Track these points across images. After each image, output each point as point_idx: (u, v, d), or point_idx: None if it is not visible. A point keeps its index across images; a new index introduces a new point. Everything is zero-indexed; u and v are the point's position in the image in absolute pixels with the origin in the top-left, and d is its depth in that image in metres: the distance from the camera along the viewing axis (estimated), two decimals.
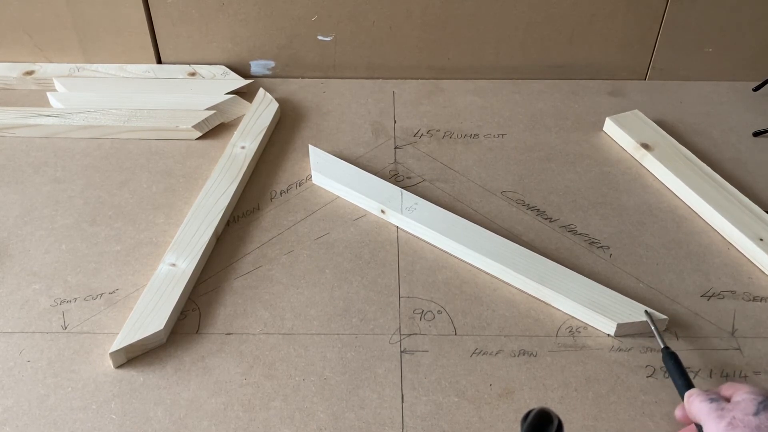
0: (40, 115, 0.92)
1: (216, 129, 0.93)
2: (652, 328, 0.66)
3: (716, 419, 0.54)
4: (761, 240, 0.75)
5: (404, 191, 0.81)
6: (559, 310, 0.70)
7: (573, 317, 0.69)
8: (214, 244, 0.77)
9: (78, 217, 0.80)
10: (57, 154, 0.89)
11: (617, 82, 1.03)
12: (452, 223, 0.77)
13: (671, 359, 0.62)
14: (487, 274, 0.74)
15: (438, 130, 0.93)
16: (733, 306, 0.71)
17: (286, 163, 0.88)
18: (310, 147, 0.88)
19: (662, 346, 0.64)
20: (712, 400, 0.56)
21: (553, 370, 0.65)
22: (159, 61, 1.03)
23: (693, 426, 0.58)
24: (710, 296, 0.72)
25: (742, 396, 0.55)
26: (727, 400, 0.57)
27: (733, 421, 0.53)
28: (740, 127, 0.94)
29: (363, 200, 0.81)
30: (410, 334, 0.68)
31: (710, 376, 0.64)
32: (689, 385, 0.60)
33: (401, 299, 0.71)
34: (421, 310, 0.70)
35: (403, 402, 0.62)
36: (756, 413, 0.53)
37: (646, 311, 0.68)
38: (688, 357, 0.66)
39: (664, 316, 0.68)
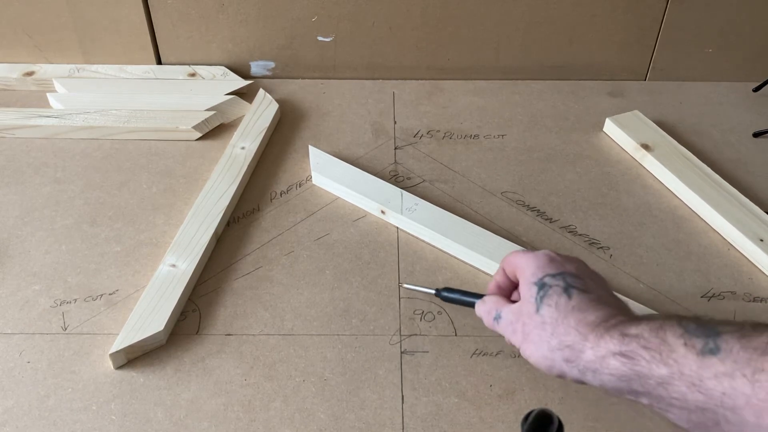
0: (40, 116, 0.92)
1: (216, 129, 0.93)
2: (417, 289, 0.70)
3: (512, 334, 0.55)
4: (761, 240, 0.75)
5: (404, 192, 0.81)
6: None
7: None
8: (214, 244, 0.77)
9: (78, 218, 0.80)
10: (57, 154, 0.89)
11: (617, 82, 1.03)
12: (452, 224, 0.77)
13: (448, 293, 0.66)
14: (487, 274, 0.74)
15: (438, 131, 0.93)
16: (733, 307, 0.71)
17: (286, 163, 0.88)
18: (310, 147, 0.88)
19: (434, 292, 0.68)
20: (497, 319, 0.57)
21: None
22: (159, 62, 1.03)
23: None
24: (710, 297, 0.72)
25: (522, 291, 0.54)
26: (513, 284, 0.59)
27: (525, 330, 0.53)
28: (740, 128, 0.94)
29: (363, 201, 0.81)
30: (410, 335, 0.68)
31: None
32: (473, 297, 0.63)
33: (401, 300, 0.71)
34: (421, 311, 0.70)
35: (403, 403, 0.62)
36: (537, 309, 0.52)
37: (401, 285, 0.71)
38: None
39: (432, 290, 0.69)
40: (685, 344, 0.44)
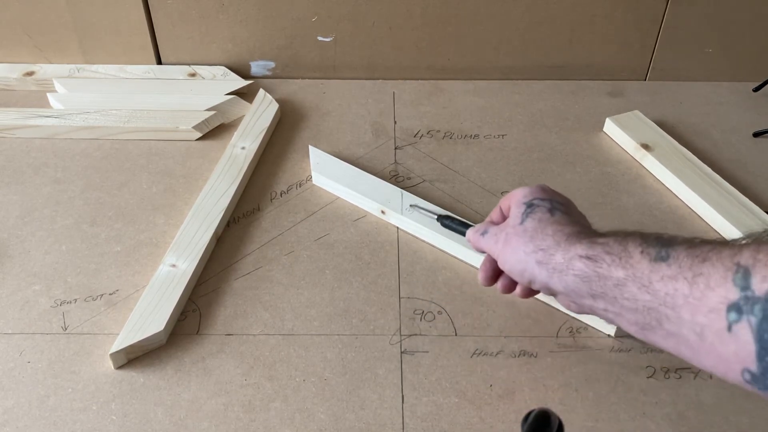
0: (40, 116, 0.92)
1: (216, 129, 0.93)
2: (424, 212, 0.75)
3: (494, 244, 0.59)
4: None
5: (404, 192, 0.81)
6: (559, 310, 0.70)
7: (573, 317, 0.69)
8: (214, 244, 0.77)
9: (78, 218, 0.80)
10: (57, 154, 0.89)
11: (617, 82, 1.03)
12: None
13: (446, 220, 0.72)
14: None
15: (438, 131, 0.93)
16: None
17: (286, 163, 0.88)
18: (310, 147, 0.88)
19: (436, 217, 0.73)
20: (484, 233, 0.61)
21: (553, 371, 0.65)
22: (159, 62, 1.03)
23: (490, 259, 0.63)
24: None
25: (512, 211, 0.59)
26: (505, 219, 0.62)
27: (507, 237, 0.58)
28: (740, 128, 0.94)
29: (363, 201, 0.81)
30: (410, 335, 0.68)
31: (710, 377, 0.64)
32: (467, 227, 0.67)
33: (401, 300, 0.71)
34: (421, 311, 0.70)
35: (403, 402, 0.62)
36: (521, 222, 0.57)
37: (411, 205, 0.77)
38: None
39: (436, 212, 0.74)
40: (642, 252, 0.48)
